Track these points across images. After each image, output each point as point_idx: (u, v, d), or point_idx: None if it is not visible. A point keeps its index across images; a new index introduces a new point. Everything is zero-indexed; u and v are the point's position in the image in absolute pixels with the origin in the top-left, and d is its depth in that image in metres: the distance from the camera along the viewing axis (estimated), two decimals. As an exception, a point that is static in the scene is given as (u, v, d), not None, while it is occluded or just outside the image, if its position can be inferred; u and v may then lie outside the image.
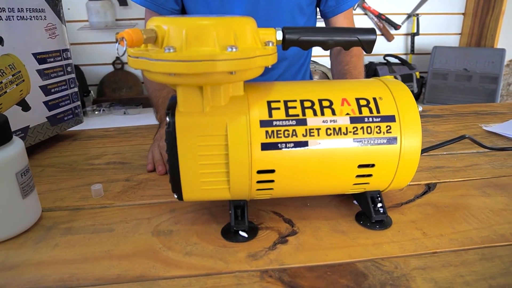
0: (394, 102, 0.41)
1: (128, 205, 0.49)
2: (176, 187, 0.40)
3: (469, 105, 0.94)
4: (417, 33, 2.33)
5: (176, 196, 0.41)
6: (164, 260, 0.38)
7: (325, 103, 0.40)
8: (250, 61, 0.35)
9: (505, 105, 0.95)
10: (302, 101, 0.40)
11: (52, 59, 0.72)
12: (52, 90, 0.72)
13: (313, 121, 0.39)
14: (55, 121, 0.73)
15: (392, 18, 2.32)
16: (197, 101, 0.38)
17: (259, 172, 0.39)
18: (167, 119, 0.38)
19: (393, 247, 0.39)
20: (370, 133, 0.39)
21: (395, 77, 2.02)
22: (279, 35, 0.40)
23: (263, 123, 0.38)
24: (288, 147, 0.38)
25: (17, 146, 0.42)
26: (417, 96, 2.15)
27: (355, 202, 0.47)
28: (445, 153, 0.64)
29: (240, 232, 0.41)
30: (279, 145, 0.38)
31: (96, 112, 2.16)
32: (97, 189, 0.52)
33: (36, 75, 0.68)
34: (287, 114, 0.39)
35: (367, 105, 0.40)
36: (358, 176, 0.41)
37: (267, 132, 0.38)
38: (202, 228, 0.43)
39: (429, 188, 0.52)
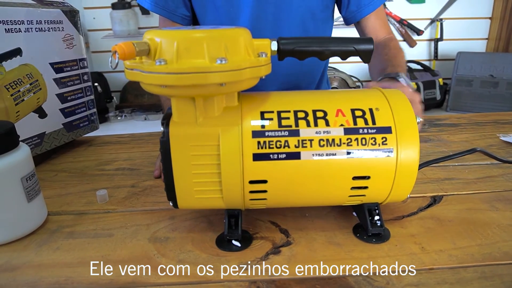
0: (391, 112, 0.40)
1: (130, 211, 0.50)
2: (171, 195, 0.41)
3: (489, 113, 0.91)
4: (441, 39, 2.27)
5: (171, 204, 0.42)
6: (156, 266, 0.39)
7: (319, 114, 0.40)
8: (240, 72, 0.35)
9: (528, 114, 0.91)
10: (296, 112, 0.40)
11: (69, 68, 0.75)
12: (69, 98, 0.75)
13: (306, 132, 0.39)
14: (71, 128, 0.76)
15: (415, 23, 2.27)
16: (191, 111, 0.39)
17: (251, 182, 0.39)
18: (162, 129, 0.39)
19: (388, 262, 0.38)
20: (365, 144, 0.39)
21: (417, 84, 1.97)
22: (274, 46, 0.40)
23: (256, 134, 0.39)
24: (280, 158, 0.38)
25: (23, 152, 0.44)
26: (440, 104, 2.09)
27: (354, 214, 0.46)
28: (457, 164, 0.62)
29: (233, 242, 0.41)
30: (271, 155, 0.38)
31: (119, 118, 2.23)
32: (102, 195, 0.53)
33: (53, 84, 0.71)
34: (279, 125, 0.39)
35: (362, 116, 0.39)
36: (353, 188, 0.40)
37: (259, 142, 0.38)
38: (198, 236, 0.44)
39: (435, 200, 0.50)
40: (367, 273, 0.37)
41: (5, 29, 0.61)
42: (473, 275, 0.36)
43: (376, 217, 0.42)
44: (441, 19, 2.25)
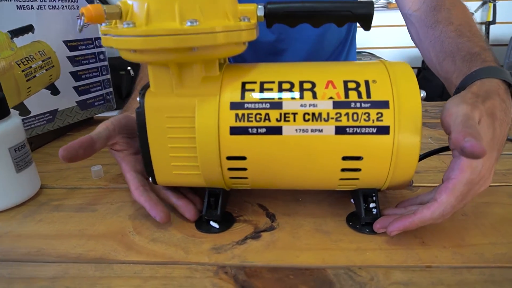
0: (390, 85, 0.34)
1: (121, 188, 0.49)
2: (149, 170, 0.39)
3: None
4: (493, 22, 2.07)
5: (150, 180, 0.40)
6: (128, 244, 0.37)
7: (307, 86, 0.35)
8: (213, 36, 0.32)
9: None
10: (280, 83, 0.36)
11: (83, 47, 0.75)
12: (83, 76, 0.76)
13: (289, 104, 0.35)
14: (85, 106, 0.77)
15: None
16: (167, 81, 0.36)
17: (229, 158, 0.36)
18: (138, 99, 0.37)
19: (378, 255, 0.33)
20: (357, 120, 0.34)
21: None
22: (260, 11, 0.36)
23: (234, 106, 0.35)
24: (260, 133, 0.35)
25: (12, 122, 0.44)
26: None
27: (352, 200, 0.42)
28: (485, 153, 0.54)
29: (211, 223, 0.38)
30: (250, 130, 0.35)
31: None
32: (96, 170, 0.52)
33: (67, 61, 0.71)
34: (261, 96, 0.35)
35: (356, 89, 0.35)
36: (344, 170, 0.36)
37: (237, 115, 0.35)
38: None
39: (450, 191, 0.44)
40: (352, 265, 0.32)
41: (17, 5, 0.62)
42: (477, 278, 0.30)
43: (372, 204, 0.37)
44: (494, 0, 2.04)
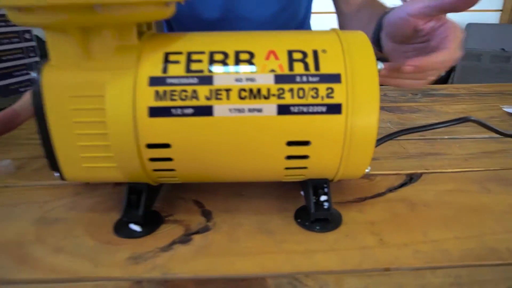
0: (343, 56, 0.29)
1: (33, 186, 0.41)
2: (53, 163, 0.31)
3: (494, 84, 0.79)
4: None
5: (57, 175, 0.32)
6: (22, 257, 0.29)
7: (244, 56, 0.29)
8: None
9: (541, 85, 0.79)
10: (212, 53, 0.29)
11: (3, 23, 0.64)
12: (3, 58, 0.65)
13: (222, 79, 0.28)
14: (7, 92, 0.66)
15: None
16: (70, 51, 0.28)
17: (150, 146, 0.29)
18: (33, 74, 0.29)
19: (329, 258, 0.28)
20: (303, 97, 0.28)
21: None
22: (186, -37, 0.29)
23: (154, 81, 0.28)
24: (186, 114, 0.28)
25: None
26: (444, 80, 1.93)
27: (302, 193, 0.36)
28: (446, 137, 0.51)
29: (131, 225, 0.32)
30: (173, 110, 0.28)
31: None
32: (4, 166, 0.44)
33: (-21, 39, 0.61)
34: (187, 70, 0.28)
35: (302, 60, 0.29)
36: (289, 157, 0.30)
37: (157, 92, 0.28)
38: (98, 217, 0.34)
39: (411, 179, 0.40)
40: (298, 272, 0.27)
41: None
42: (443, 281, 0.26)
43: (323, 197, 0.32)
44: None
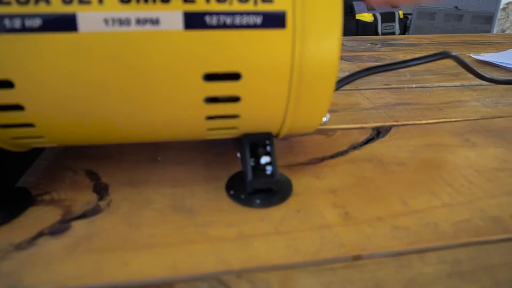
0: None
1: None
2: None
3: (456, 35, 0.73)
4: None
5: None
6: None
7: None
8: None
9: (503, 35, 0.74)
10: None
11: None
12: None
13: (90, -32, 0.17)
14: None
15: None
16: None
17: (-22, 86, 0.18)
18: None
19: (272, 246, 0.19)
20: (225, 1, 0.18)
21: (374, 16, 1.76)
22: None
23: (-31, -30, 0.16)
24: (31, 29, 0.17)
25: None
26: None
27: (238, 154, 0.27)
28: (414, 86, 0.43)
29: (-29, 214, 0.21)
30: (8, 22, 0.17)
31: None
32: None
33: None
34: (31, -48, 0.17)
35: None
36: (209, 100, 0.20)
37: (-24, -10, 0.16)
38: None
39: (378, 133, 0.31)
40: (223, 272, 0.17)
41: None
42: (437, 270, 0.18)
43: (265, 159, 0.22)
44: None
